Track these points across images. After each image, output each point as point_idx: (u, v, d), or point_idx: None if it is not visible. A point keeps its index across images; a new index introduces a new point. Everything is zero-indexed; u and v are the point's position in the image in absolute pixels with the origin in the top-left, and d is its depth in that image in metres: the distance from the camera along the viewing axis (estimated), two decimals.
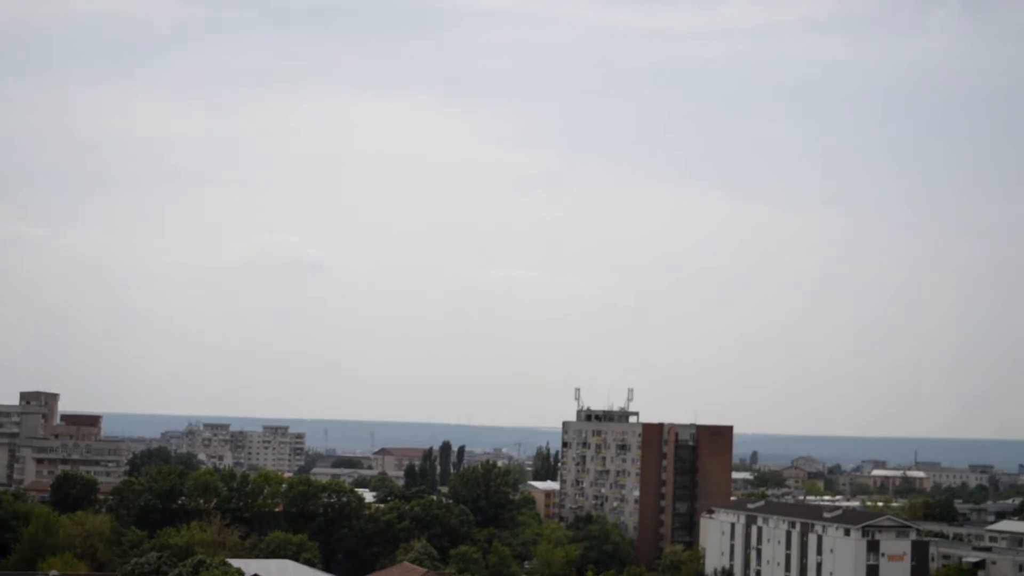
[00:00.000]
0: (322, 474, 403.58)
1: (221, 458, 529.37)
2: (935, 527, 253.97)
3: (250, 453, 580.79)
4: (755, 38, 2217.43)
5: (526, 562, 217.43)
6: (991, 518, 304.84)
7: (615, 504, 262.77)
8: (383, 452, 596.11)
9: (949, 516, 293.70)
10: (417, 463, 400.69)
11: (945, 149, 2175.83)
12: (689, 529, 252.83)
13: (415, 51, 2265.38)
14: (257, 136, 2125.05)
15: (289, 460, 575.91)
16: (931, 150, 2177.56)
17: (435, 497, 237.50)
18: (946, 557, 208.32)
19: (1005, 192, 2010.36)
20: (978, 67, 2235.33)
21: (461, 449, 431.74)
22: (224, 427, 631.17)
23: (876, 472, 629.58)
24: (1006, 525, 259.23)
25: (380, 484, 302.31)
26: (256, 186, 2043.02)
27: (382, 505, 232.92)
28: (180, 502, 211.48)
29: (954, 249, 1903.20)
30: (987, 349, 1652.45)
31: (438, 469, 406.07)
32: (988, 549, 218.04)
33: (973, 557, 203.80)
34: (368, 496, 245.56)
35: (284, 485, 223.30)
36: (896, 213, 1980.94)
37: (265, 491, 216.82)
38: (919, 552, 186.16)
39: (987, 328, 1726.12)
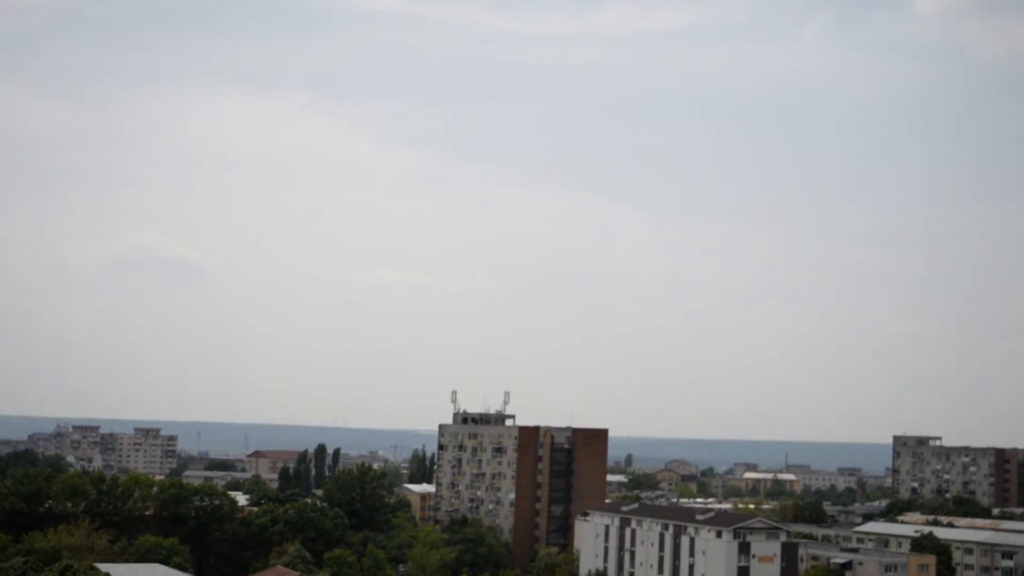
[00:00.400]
0: (194, 477, 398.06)
1: (90, 460, 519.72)
2: (804, 529, 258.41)
3: (120, 455, 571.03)
4: (633, 45, 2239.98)
5: (401, 565, 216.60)
6: (858, 519, 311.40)
7: (490, 507, 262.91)
8: (257, 455, 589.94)
9: (818, 518, 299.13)
10: (292, 466, 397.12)
11: (816, 154, 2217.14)
12: (564, 531, 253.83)
13: (295, 50, 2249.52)
14: (131, 133, 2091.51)
15: (161, 463, 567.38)
16: (802, 155, 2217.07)
17: (309, 500, 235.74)
18: (815, 558, 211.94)
19: (883, 197, 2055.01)
20: (850, 76, 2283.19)
21: (336, 452, 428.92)
22: (94, 429, 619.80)
23: (748, 475, 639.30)
24: (872, 526, 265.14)
25: (254, 487, 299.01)
26: (129, 185, 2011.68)
27: (255, 508, 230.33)
28: (47, 505, 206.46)
29: (833, 254, 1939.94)
30: (857, 354, 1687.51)
31: (313, 472, 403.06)
32: (855, 550, 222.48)
33: (841, 558, 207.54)
34: (241, 499, 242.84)
35: (155, 488, 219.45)
36: (776, 219, 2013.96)
37: (135, 494, 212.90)
38: (788, 553, 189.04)
39: (858, 334, 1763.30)
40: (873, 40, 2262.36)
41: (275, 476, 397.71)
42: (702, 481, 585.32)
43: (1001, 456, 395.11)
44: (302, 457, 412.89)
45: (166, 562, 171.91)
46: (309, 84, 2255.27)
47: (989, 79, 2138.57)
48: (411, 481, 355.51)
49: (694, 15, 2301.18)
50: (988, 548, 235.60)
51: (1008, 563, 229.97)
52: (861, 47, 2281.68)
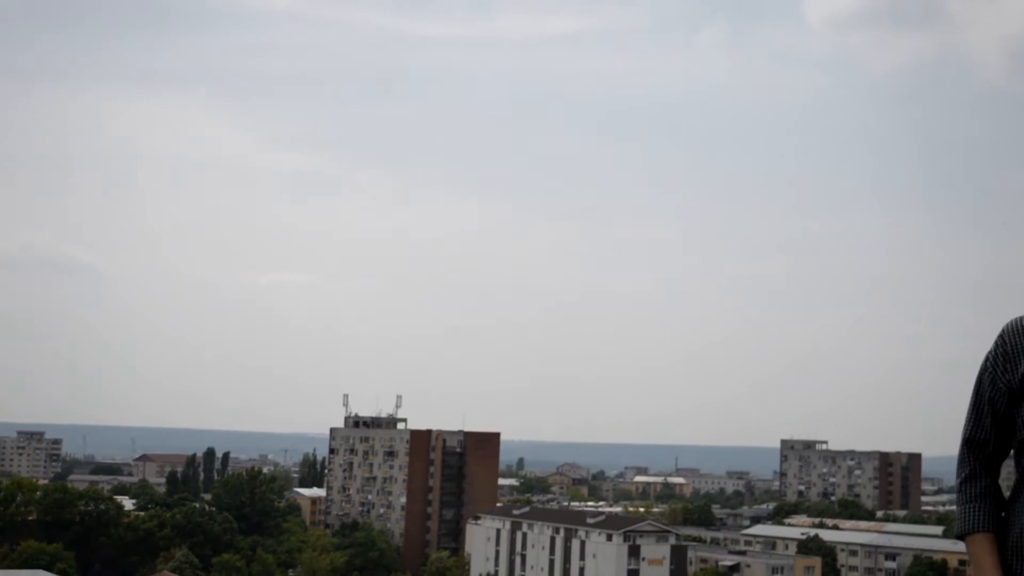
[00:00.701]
0: (80, 481, 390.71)
1: None
2: (694, 532, 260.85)
3: (3, 459, 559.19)
4: (532, 49, 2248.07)
5: (290, 570, 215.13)
6: (747, 522, 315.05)
7: (382, 511, 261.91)
8: (144, 458, 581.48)
9: (707, 521, 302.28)
10: (180, 470, 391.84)
11: (707, 162, 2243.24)
12: (455, 535, 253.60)
13: (188, 48, 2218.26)
14: (16, 131, 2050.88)
15: (45, 467, 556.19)
16: (696, 163, 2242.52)
17: (198, 505, 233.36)
18: (703, 561, 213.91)
19: (771, 205, 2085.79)
20: (742, 84, 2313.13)
21: (226, 455, 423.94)
22: None
23: (638, 478, 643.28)
24: (760, 529, 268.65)
25: (140, 491, 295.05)
26: (15, 182, 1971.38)
27: (142, 513, 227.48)
28: None
29: (726, 260, 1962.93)
30: (745, 359, 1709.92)
31: (201, 476, 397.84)
32: (743, 553, 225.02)
33: (729, 560, 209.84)
34: (128, 504, 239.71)
35: (38, 492, 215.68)
36: (673, 224, 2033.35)
37: (18, 499, 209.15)
38: (678, 556, 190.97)
39: (744, 338, 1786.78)
40: (766, 49, 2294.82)
41: (163, 480, 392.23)
42: (593, 485, 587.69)
43: (885, 460, 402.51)
44: (190, 461, 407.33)
45: (49, 568, 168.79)
46: (204, 84, 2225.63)
47: (878, 90, 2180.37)
48: (301, 485, 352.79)
49: (592, 20, 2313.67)
50: (872, 550, 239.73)
51: (891, 564, 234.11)
52: (755, 55, 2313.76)
